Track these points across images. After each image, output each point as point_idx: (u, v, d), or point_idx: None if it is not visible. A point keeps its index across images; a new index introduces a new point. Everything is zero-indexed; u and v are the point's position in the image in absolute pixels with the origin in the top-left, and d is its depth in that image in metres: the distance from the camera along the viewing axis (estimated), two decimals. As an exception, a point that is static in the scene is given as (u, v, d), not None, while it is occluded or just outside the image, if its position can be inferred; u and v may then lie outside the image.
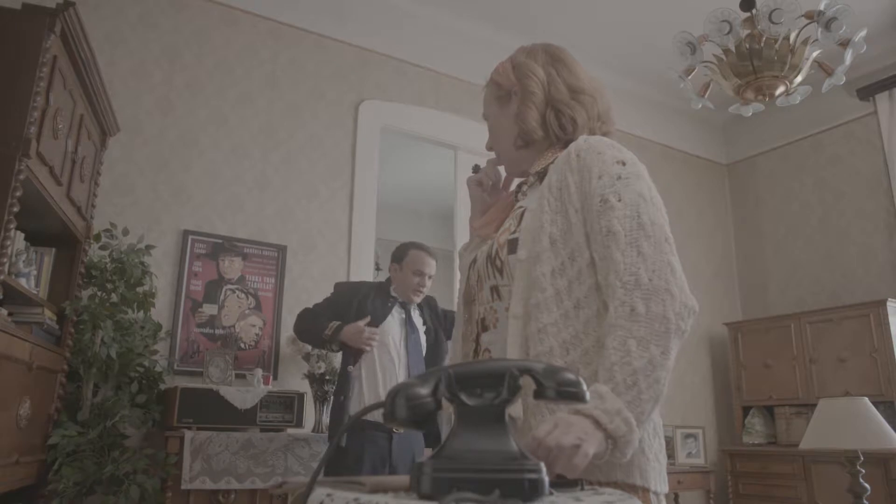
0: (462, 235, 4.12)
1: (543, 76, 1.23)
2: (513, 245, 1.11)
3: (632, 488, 0.99)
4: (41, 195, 2.13)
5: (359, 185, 3.83)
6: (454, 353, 1.27)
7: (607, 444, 0.90)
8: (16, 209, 1.90)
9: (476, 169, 1.37)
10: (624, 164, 1.09)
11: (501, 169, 1.35)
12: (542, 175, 1.19)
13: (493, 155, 1.34)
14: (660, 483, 1.04)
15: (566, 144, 1.20)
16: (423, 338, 2.74)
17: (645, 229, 1.02)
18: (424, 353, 2.71)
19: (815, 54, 2.88)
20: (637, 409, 0.92)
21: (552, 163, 1.17)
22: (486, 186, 1.34)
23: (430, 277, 2.74)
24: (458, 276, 4.76)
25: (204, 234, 3.32)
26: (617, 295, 0.99)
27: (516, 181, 1.36)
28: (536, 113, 1.22)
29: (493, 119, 1.30)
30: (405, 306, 2.75)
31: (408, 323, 2.72)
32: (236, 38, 3.65)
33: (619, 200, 1.04)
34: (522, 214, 1.15)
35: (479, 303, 1.18)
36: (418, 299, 2.74)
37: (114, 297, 2.74)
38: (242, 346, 3.29)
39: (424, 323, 2.78)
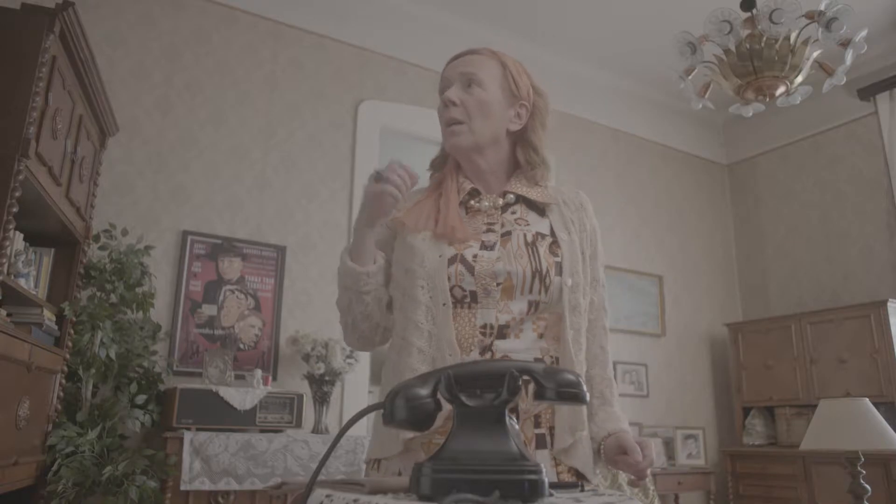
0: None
1: (547, 120, 1.32)
2: (558, 268, 1.18)
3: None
4: (40, 195, 2.13)
5: (358, 186, 3.82)
6: (414, 346, 1.15)
7: None
8: (15, 209, 1.90)
9: (378, 177, 1.09)
10: None
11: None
12: (534, 203, 1.26)
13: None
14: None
15: (533, 184, 1.28)
16: None
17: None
18: None
19: (815, 54, 2.88)
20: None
21: (547, 195, 1.27)
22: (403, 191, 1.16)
23: None
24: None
25: (203, 235, 3.31)
26: (607, 338, 1.28)
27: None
28: (540, 142, 1.29)
29: (494, 98, 1.25)
30: None
31: None
32: (236, 39, 3.65)
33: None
34: (556, 241, 1.21)
35: (500, 310, 1.15)
36: None
37: (113, 298, 2.74)
38: (242, 346, 3.28)
39: None
